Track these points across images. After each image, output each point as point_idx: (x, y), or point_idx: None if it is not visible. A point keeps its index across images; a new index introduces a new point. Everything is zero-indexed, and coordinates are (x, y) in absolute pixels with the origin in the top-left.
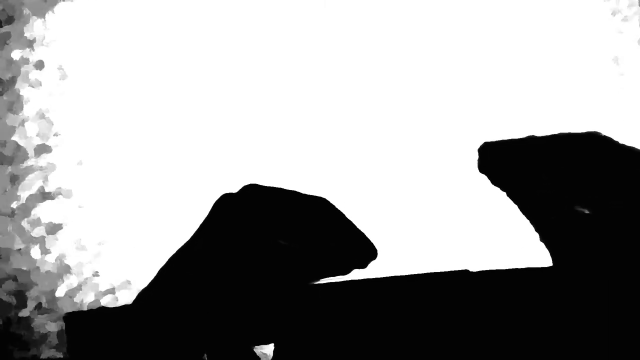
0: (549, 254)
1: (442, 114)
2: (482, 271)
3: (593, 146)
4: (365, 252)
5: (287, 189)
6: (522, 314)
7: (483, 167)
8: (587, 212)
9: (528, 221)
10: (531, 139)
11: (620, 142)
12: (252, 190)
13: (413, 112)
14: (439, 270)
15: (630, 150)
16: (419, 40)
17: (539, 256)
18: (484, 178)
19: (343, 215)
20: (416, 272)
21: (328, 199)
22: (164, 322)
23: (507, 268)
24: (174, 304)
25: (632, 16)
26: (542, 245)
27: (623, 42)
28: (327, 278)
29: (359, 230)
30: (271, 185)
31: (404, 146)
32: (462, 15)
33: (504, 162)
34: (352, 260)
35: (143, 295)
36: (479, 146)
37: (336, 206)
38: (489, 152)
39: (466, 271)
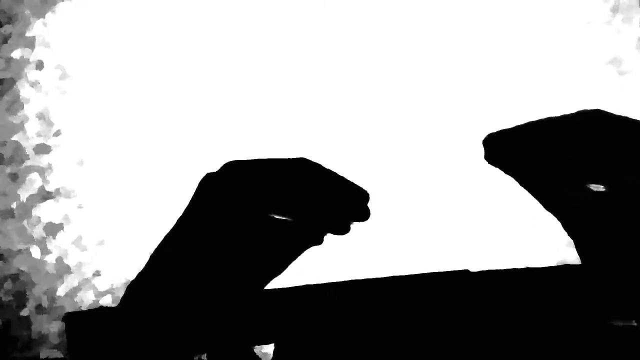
0: (570, 238)
1: (442, 114)
2: (482, 271)
3: (597, 123)
4: (359, 195)
5: (267, 158)
6: (522, 314)
7: (491, 157)
8: (603, 189)
9: (542, 206)
10: (533, 124)
11: (620, 115)
12: (233, 166)
13: (412, 112)
14: (439, 270)
15: (633, 122)
16: (419, 39)
17: (539, 256)
18: (483, 178)
19: (324, 169)
20: (416, 272)
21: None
22: (161, 320)
23: (507, 268)
24: (170, 299)
25: (632, 16)
26: (542, 245)
27: (623, 42)
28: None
29: (344, 178)
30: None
31: (404, 146)
32: (462, 14)
33: (512, 150)
34: (348, 208)
35: (134, 288)
36: (483, 138)
37: (316, 162)
38: (496, 141)
39: (466, 271)
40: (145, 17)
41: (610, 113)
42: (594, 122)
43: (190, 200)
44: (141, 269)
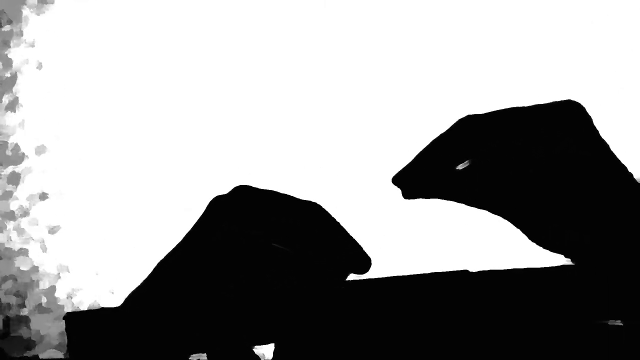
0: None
1: (442, 114)
2: (482, 271)
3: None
4: (360, 261)
5: (279, 192)
6: (522, 314)
7: (408, 194)
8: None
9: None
10: (424, 150)
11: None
12: (244, 192)
13: (412, 111)
14: (439, 270)
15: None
16: (419, 39)
17: (539, 256)
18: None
19: (337, 222)
20: (416, 272)
21: (322, 204)
22: (160, 323)
23: (507, 268)
24: (171, 305)
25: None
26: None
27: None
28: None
29: (353, 239)
30: (263, 187)
31: (404, 145)
32: (463, 15)
33: (423, 180)
34: (346, 269)
35: (136, 295)
36: (392, 178)
37: (329, 213)
38: (405, 177)
39: (466, 271)
40: (146, 17)
41: (478, 114)
42: (468, 126)
43: (198, 221)
44: (144, 279)
